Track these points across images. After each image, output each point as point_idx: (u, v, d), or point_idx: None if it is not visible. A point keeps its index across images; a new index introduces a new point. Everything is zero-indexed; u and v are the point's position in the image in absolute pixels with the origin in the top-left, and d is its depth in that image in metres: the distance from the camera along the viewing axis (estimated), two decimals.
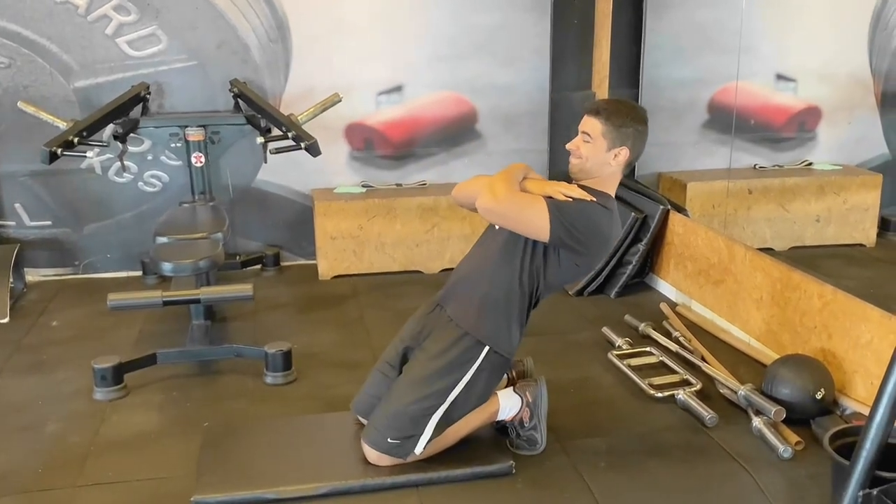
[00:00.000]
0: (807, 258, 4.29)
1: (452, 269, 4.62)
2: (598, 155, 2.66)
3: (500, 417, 2.78)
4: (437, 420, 2.63)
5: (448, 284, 2.84)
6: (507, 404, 2.77)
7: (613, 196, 2.73)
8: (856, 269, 4.54)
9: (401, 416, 2.62)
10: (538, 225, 2.54)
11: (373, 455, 2.66)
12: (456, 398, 2.64)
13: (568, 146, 2.71)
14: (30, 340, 3.84)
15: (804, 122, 5.10)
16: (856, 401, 2.97)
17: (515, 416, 2.78)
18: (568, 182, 2.69)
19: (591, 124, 2.66)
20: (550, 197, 2.58)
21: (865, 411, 2.88)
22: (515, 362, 3.04)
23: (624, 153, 2.66)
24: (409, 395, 2.64)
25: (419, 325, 2.82)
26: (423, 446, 2.63)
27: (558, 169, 4.97)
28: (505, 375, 2.98)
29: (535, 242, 2.63)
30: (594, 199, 2.61)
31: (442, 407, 2.63)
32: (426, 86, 4.78)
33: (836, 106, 5.06)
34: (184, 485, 2.61)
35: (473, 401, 2.69)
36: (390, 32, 4.68)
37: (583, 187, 2.66)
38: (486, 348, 2.65)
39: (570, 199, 2.58)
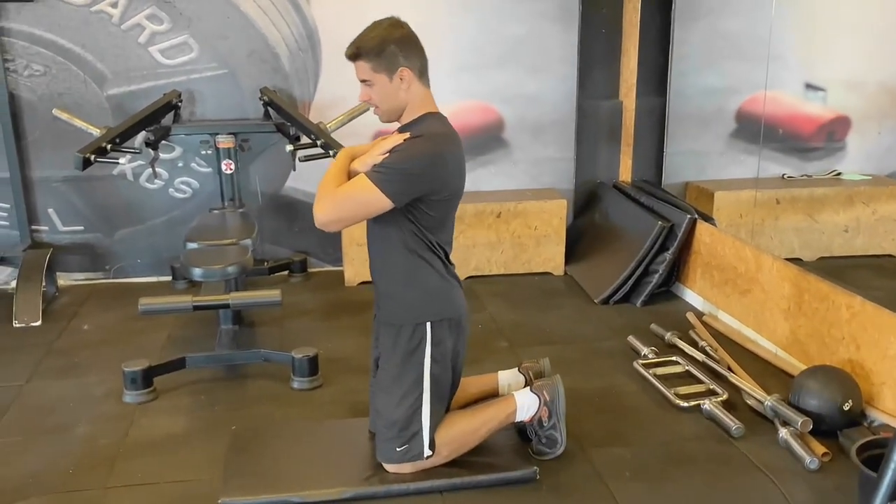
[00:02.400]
0: (835, 269, 4.26)
1: (478, 276, 4.68)
2: (386, 91, 2.53)
3: (518, 418, 2.78)
4: (427, 410, 2.63)
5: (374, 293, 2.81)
6: (525, 403, 2.77)
7: (434, 109, 2.62)
8: (885, 280, 4.50)
9: (393, 423, 2.64)
10: (375, 202, 2.45)
11: (391, 468, 2.68)
12: (432, 379, 2.63)
13: (359, 99, 2.61)
14: (61, 344, 3.90)
15: (833, 132, 5.07)
16: (884, 412, 2.94)
17: (534, 415, 2.77)
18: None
19: (360, 69, 2.53)
20: (374, 165, 2.49)
21: (893, 423, 2.87)
22: (532, 363, 3.05)
23: (406, 72, 2.51)
24: (390, 402, 2.65)
25: (374, 334, 2.83)
26: (429, 439, 2.63)
27: (584, 177, 4.98)
28: (523, 377, 3.00)
29: (393, 210, 2.51)
30: (407, 136, 2.52)
31: (425, 396, 2.62)
32: (453, 94, 4.79)
33: (865, 115, 5.02)
34: (211, 487, 2.64)
35: (450, 370, 2.69)
36: None
37: (403, 128, 2.59)
38: (427, 324, 2.62)
39: (387, 154, 2.49)
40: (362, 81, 2.56)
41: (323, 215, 2.48)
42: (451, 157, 2.56)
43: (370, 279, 4.57)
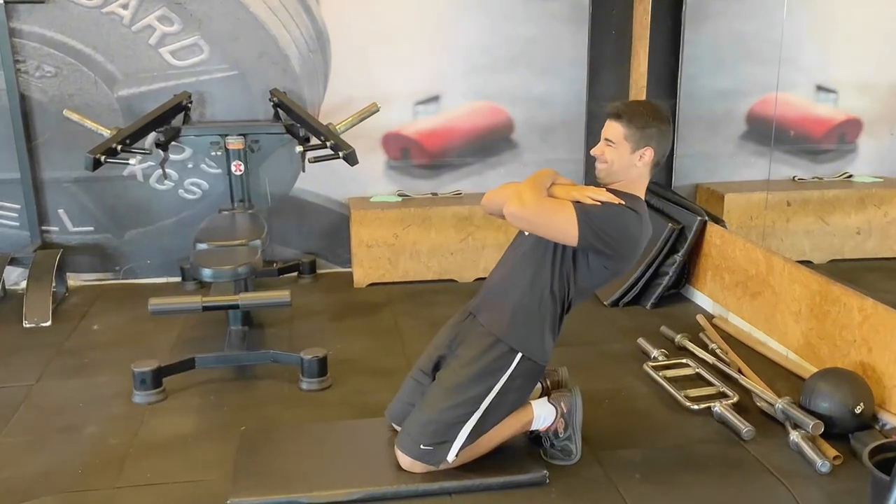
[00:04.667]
0: (846, 271, 4.23)
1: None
2: (623, 158, 2.65)
3: (534, 427, 2.78)
4: (470, 427, 2.63)
5: (480, 293, 2.85)
6: (542, 414, 2.76)
7: (643, 197, 2.72)
8: None
9: (434, 422, 2.63)
10: (567, 230, 2.54)
11: (406, 461, 2.67)
12: (489, 406, 2.64)
13: (593, 152, 2.71)
14: (71, 344, 3.91)
15: (844, 134, 5.04)
16: None
17: (550, 426, 2.77)
18: (597, 186, 2.70)
19: (613, 128, 2.65)
20: (578, 201, 2.58)
21: None
22: (550, 372, 3.03)
23: (649, 154, 2.64)
24: (443, 402, 2.65)
25: (452, 334, 2.83)
26: (455, 453, 2.63)
27: (593, 179, 4.96)
28: (540, 385, 2.98)
29: (564, 247, 2.62)
30: (622, 202, 2.60)
31: (475, 414, 2.63)
32: (463, 96, 4.80)
33: (877, 117, 4.99)
34: (220, 488, 2.64)
35: (507, 408, 2.69)
36: (428, 43, 4.71)
37: (611, 191, 2.65)
38: (519, 355, 2.65)
39: (598, 203, 2.58)
40: (605, 139, 2.67)
41: (521, 210, 2.57)
42: (641, 245, 2.67)
43: (379, 281, 4.64)
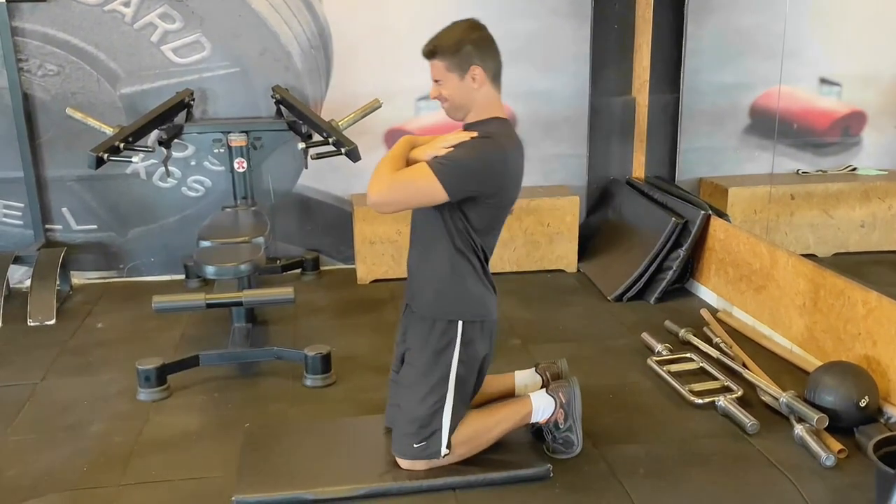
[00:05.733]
0: (851, 265, 4.23)
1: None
2: (457, 89, 2.56)
3: (533, 419, 2.78)
4: (450, 409, 2.63)
5: (407, 282, 2.82)
6: (541, 405, 2.76)
7: (502, 115, 2.64)
8: None
9: (414, 419, 2.64)
10: (432, 191, 2.47)
11: (405, 464, 2.68)
12: (457, 380, 2.63)
13: (430, 97, 2.66)
14: (75, 342, 3.91)
15: (848, 127, 5.04)
16: None
17: (550, 417, 2.77)
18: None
19: (434, 68, 2.58)
20: (434, 157, 2.52)
21: None
22: (549, 364, 3.04)
23: (478, 72, 2.54)
24: (414, 398, 2.65)
25: (402, 328, 2.83)
26: (447, 439, 2.63)
27: (597, 174, 4.96)
28: (539, 377, 2.98)
29: (447, 205, 2.54)
30: (474, 135, 2.54)
31: (448, 395, 2.63)
32: None
33: (881, 110, 4.98)
34: (224, 484, 2.65)
35: (476, 373, 2.69)
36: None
37: (470, 125, 2.60)
38: (461, 322, 2.62)
39: (451, 148, 2.52)
40: (434, 81, 2.60)
41: (377, 196, 2.51)
42: (513, 164, 2.59)
43: (382, 277, 4.64)
